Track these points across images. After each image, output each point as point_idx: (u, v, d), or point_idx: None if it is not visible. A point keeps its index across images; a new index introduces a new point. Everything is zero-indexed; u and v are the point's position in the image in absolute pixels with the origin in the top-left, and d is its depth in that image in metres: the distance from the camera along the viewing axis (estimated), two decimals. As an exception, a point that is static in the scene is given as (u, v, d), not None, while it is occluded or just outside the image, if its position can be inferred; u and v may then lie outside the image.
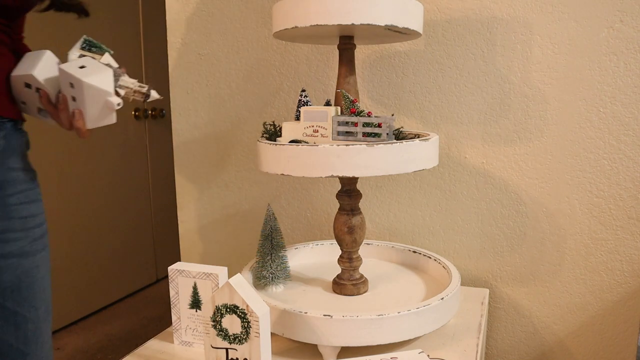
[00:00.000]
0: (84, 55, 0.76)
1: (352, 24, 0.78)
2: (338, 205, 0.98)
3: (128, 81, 0.76)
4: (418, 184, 1.22)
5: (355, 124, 0.83)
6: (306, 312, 0.81)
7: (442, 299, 0.86)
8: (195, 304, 0.89)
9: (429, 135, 0.90)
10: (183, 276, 0.88)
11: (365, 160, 0.78)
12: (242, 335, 0.69)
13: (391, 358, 0.74)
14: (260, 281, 1.01)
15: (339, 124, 0.85)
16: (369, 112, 0.84)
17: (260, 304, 0.69)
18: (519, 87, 1.10)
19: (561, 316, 1.14)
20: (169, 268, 0.89)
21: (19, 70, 0.75)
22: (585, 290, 1.12)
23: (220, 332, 0.70)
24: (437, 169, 1.19)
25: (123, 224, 2.69)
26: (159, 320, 2.43)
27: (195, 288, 0.88)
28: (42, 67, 0.74)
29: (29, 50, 0.83)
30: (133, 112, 2.70)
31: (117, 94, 0.74)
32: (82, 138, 0.77)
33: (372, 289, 1.00)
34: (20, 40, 0.86)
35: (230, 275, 0.93)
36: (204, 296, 0.87)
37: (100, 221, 2.54)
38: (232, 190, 1.39)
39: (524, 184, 1.13)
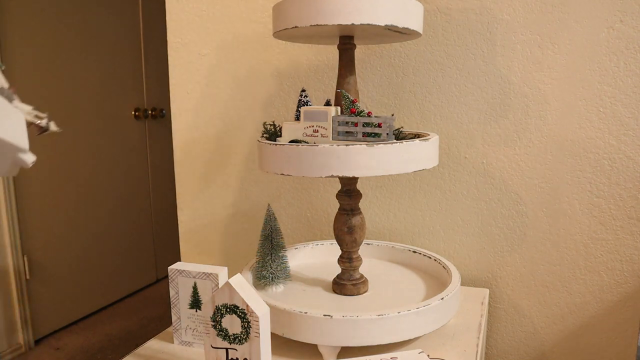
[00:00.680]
0: None
1: (352, 24, 0.78)
2: (338, 205, 0.98)
3: (23, 109, 0.56)
4: (418, 184, 1.22)
5: (355, 124, 0.83)
6: (306, 312, 0.81)
7: (442, 299, 0.86)
8: (195, 304, 0.89)
9: (429, 135, 0.90)
10: (183, 276, 0.88)
11: (365, 160, 0.78)
12: (242, 335, 0.69)
13: (391, 358, 0.74)
14: (260, 281, 1.01)
15: (339, 124, 0.85)
16: (369, 112, 0.84)
17: (260, 304, 0.69)
18: (519, 87, 1.10)
19: (561, 316, 1.14)
20: (169, 268, 0.89)
21: None
22: (585, 290, 1.12)
23: (220, 332, 0.70)
24: (437, 169, 1.19)
25: (123, 224, 2.69)
26: (159, 320, 2.43)
27: (195, 288, 0.88)
28: None
29: None
30: (133, 112, 2.70)
31: None
32: None
33: (372, 289, 1.00)
34: None
35: (230, 275, 0.93)
36: (204, 296, 0.87)
37: (100, 221, 2.54)
38: (232, 190, 1.39)
39: (524, 184, 1.13)
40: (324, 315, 0.80)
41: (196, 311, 0.89)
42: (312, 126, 0.87)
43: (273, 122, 0.98)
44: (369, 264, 1.14)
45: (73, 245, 2.39)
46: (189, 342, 0.91)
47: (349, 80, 0.92)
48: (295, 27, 0.81)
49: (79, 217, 2.40)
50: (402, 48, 1.18)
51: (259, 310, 0.68)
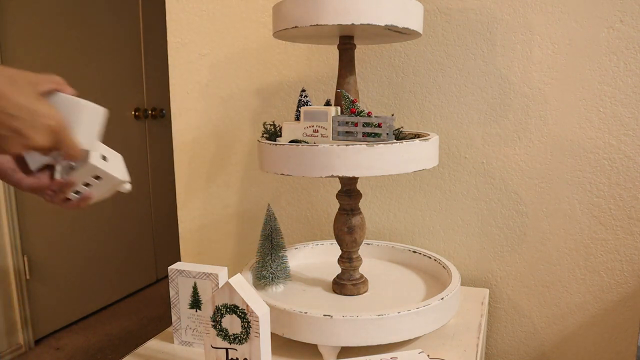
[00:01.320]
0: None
1: (352, 24, 0.78)
2: (338, 205, 0.98)
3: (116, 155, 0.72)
4: (418, 184, 1.22)
5: (355, 124, 0.83)
6: (306, 312, 0.81)
7: (442, 299, 0.86)
8: (195, 304, 0.89)
9: (429, 135, 0.90)
10: (183, 276, 0.88)
11: (365, 160, 0.78)
12: (242, 335, 0.69)
13: (391, 358, 0.74)
14: (260, 281, 1.01)
15: (339, 124, 0.85)
16: (369, 112, 0.84)
17: (260, 304, 0.69)
18: (519, 87, 1.10)
19: (561, 316, 1.14)
20: (169, 268, 0.89)
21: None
22: (585, 290, 1.12)
23: (220, 332, 0.70)
24: (437, 169, 1.19)
25: (123, 224, 2.69)
26: (159, 320, 2.43)
27: (195, 288, 0.88)
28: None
29: None
30: (133, 112, 2.70)
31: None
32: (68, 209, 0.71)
33: (372, 289, 1.00)
34: None
35: (230, 275, 0.93)
36: (204, 296, 0.87)
37: (100, 221, 2.54)
38: (232, 190, 1.39)
39: (524, 184, 1.13)
40: (324, 315, 0.80)
41: (196, 311, 0.89)
42: (312, 126, 0.87)
43: (273, 122, 0.98)
44: (369, 264, 1.14)
45: (73, 245, 2.39)
46: (189, 342, 0.91)
47: (349, 80, 0.92)
48: (295, 27, 0.81)
49: (79, 217, 2.40)
50: (402, 48, 1.18)
51: (259, 310, 0.68)
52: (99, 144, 0.68)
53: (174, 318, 0.91)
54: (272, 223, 1.01)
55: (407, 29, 0.83)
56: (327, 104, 0.98)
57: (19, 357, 2.12)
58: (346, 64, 0.92)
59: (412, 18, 0.83)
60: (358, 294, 0.97)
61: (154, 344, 0.93)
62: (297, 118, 0.93)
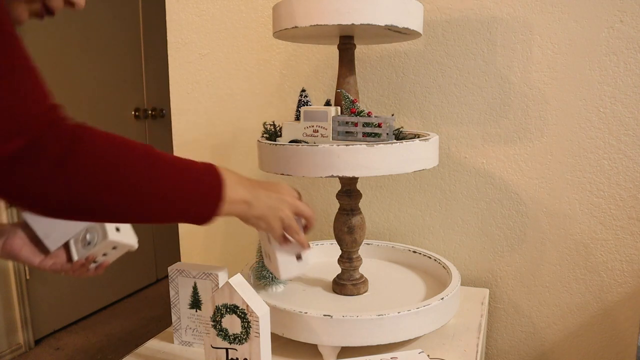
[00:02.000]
0: None
1: (352, 24, 0.78)
2: (338, 205, 0.97)
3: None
4: (418, 184, 1.22)
5: (355, 124, 0.83)
6: (306, 312, 0.81)
7: (442, 299, 0.86)
8: (195, 304, 0.88)
9: (429, 135, 0.90)
10: (183, 276, 0.88)
11: (365, 160, 0.78)
12: (242, 335, 0.69)
13: (391, 358, 0.74)
14: (260, 281, 1.01)
15: (339, 124, 0.85)
16: (369, 112, 0.84)
17: (260, 304, 0.69)
18: (519, 87, 1.10)
19: (561, 316, 1.14)
20: (169, 268, 0.89)
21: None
22: (585, 290, 1.12)
23: (220, 332, 0.70)
24: (437, 169, 1.19)
25: (123, 224, 2.68)
26: (159, 320, 2.43)
27: (195, 288, 0.88)
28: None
29: None
30: (133, 112, 2.70)
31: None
32: (86, 275, 0.76)
33: (372, 289, 1.00)
34: None
35: (230, 275, 0.93)
36: (204, 296, 0.87)
37: (100, 221, 2.54)
38: (232, 190, 1.39)
39: (524, 184, 1.13)
40: (324, 315, 0.80)
41: (196, 311, 0.89)
42: (312, 126, 0.87)
43: (273, 122, 0.98)
44: (369, 264, 1.13)
45: (73, 245, 2.39)
46: (189, 342, 0.91)
47: (349, 80, 0.92)
48: (295, 27, 0.81)
49: (79, 217, 2.40)
50: (402, 48, 1.18)
51: (259, 310, 0.68)
52: None
53: (174, 318, 0.91)
54: (272, 223, 1.01)
55: (407, 29, 0.83)
56: (327, 104, 0.97)
57: (19, 357, 2.12)
58: (346, 64, 0.92)
59: (412, 18, 0.83)
60: (358, 294, 0.97)
61: (154, 344, 0.93)
62: (297, 118, 0.93)
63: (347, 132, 0.84)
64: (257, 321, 0.67)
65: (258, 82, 1.32)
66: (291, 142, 0.88)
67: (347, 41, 0.91)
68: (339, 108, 0.89)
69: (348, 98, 0.86)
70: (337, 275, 1.00)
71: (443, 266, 1.03)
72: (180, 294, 0.89)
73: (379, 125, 0.82)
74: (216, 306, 0.69)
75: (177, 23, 1.37)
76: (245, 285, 0.70)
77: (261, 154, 0.88)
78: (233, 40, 1.32)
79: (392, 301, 0.94)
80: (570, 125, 1.08)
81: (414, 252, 1.12)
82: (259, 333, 0.68)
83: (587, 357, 1.14)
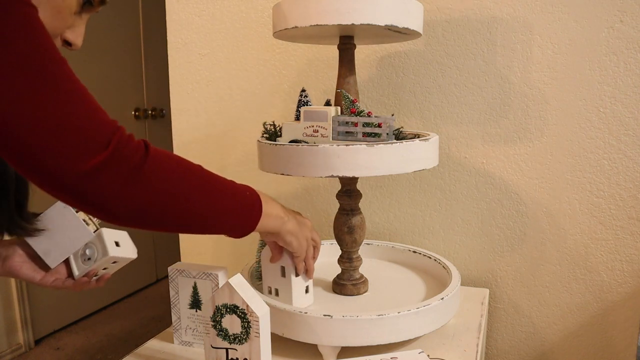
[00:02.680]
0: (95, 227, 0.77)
1: (352, 24, 0.78)
2: (338, 205, 0.97)
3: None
4: (418, 184, 1.22)
5: (355, 124, 0.83)
6: (306, 312, 0.81)
7: (442, 299, 0.86)
8: (195, 304, 0.88)
9: (429, 135, 0.90)
10: (183, 276, 0.88)
11: (365, 160, 0.78)
12: (242, 335, 0.69)
13: (391, 358, 0.74)
14: (260, 281, 1.01)
15: (339, 124, 0.85)
16: (369, 112, 0.84)
17: (260, 304, 0.69)
18: (519, 87, 1.10)
19: (561, 316, 1.14)
20: (169, 268, 0.89)
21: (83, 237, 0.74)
22: (585, 290, 1.12)
23: (220, 332, 0.70)
24: (437, 169, 1.19)
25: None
26: (159, 320, 2.43)
27: (195, 288, 0.88)
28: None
29: None
30: (133, 112, 2.70)
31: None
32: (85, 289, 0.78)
33: (372, 289, 1.00)
34: None
35: (230, 275, 0.92)
36: (204, 296, 0.87)
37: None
38: (232, 190, 1.39)
39: (524, 184, 1.13)
40: (324, 315, 0.80)
41: (196, 311, 0.89)
42: (312, 126, 0.87)
43: (273, 122, 0.98)
44: (369, 264, 1.13)
45: (73, 245, 2.39)
46: (189, 342, 0.91)
47: (349, 80, 0.92)
48: (295, 27, 0.81)
49: (79, 217, 2.40)
50: (402, 48, 1.18)
51: (259, 310, 0.68)
52: (108, 230, 0.75)
53: (174, 318, 0.91)
54: (272, 223, 1.01)
55: (407, 29, 0.83)
56: (327, 104, 0.97)
57: (19, 357, 2.12)
58: (346, 64, 0.92)
59: (412, 18, 0.83)
60: (358, 294, 0.97)
61: (154, 344, 0.93)
62: (297, 118, 0.93)
63: (347, 132, 0.84)
64: (257, 321, 0.67)
65: (258, 82, 1.32)
66: (291, 142, 0.88)
67: (347, 41, 0.91)
68: (339, 108, 0.89)
69: (348, 98, 0.86)
70: (337, 275, 1.00)
71: (443, 266, 1.03)
72: (180, 294, 0.89)
73: (379, 125, 0.82)
74: (216, 306, 0.69)
75: (177, 23, 1.37)
76: (245, 285, 0.70)
77: (261, 154, 0.88)
78: (233, 40, 1.32)
79: (392, 301, 0.94)
80: (570, 125, 1.08)
81: (414, 252, 1.12)
82: (259, 333, 0.68)
83: (587, 357, 1.14)
